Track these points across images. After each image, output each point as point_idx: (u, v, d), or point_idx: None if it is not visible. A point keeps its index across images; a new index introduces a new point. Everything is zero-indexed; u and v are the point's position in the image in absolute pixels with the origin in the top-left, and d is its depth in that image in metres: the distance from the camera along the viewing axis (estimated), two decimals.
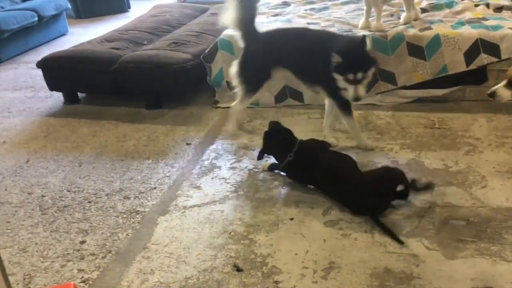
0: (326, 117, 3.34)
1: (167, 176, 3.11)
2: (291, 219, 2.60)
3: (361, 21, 4.02)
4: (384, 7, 4.16)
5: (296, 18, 4.44)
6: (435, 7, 4.31)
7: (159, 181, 3.07)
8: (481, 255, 2.22)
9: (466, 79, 3.72)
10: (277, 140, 2.91)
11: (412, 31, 3.77)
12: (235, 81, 3.43)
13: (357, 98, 2.89)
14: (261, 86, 3.36)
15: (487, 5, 4.16)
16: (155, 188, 2.99)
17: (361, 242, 2.38)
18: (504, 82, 2.47)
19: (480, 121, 3.46)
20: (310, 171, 2.76)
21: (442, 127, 3.41)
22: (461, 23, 3.86)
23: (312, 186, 2.83)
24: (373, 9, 3.95)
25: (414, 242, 2.34)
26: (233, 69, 3.42)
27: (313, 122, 3.66)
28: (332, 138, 3.31)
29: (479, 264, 2.17)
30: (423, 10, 4.25)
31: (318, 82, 3.17)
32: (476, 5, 4.22)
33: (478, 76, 3.69)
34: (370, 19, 3.98)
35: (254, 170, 3.10)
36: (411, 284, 2.09)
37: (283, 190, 2.87)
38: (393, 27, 3.89)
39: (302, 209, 2.68)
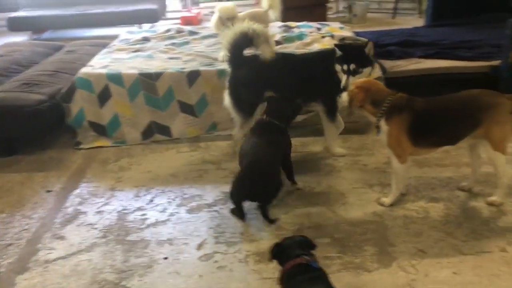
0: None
1: (24, 229, 2.83)
2: (165, 258, 2.53)
3: (221, 54, 4.15)
4: None
5: (158, 53, 4.42)
6: (287, 39, 4.63)
7: (15, 236, 2.78)
8: (346, 269, 2.37)
9: None
10: (278, 104, 3.12)
11: None
12: (230, 111, 3.44)
13: (345, 88, 3.10)
14: (255, 110, 3.40)
15: (332, 36, 4.58)
16: (10, 244, 2.70)
17: (237, 273, 2.39)
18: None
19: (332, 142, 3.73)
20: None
21: (304, 151, 3.63)
22: None
23: None
24: None
25: None
26: (226, 99, 3.42)
27: (183, 156, 3.64)
28: (339, 148, 3.56)
29: (345, 278, 2.31)
30: (277, 43, 4.53)
31: (315, 98, 3.41)
32: (323, 37, 4.62)
33: None
34: None
35: (124, 211, 2.97)
36: None
37: (155, 229, 2.78)
38: None
39: (176, 246, 2.62)
